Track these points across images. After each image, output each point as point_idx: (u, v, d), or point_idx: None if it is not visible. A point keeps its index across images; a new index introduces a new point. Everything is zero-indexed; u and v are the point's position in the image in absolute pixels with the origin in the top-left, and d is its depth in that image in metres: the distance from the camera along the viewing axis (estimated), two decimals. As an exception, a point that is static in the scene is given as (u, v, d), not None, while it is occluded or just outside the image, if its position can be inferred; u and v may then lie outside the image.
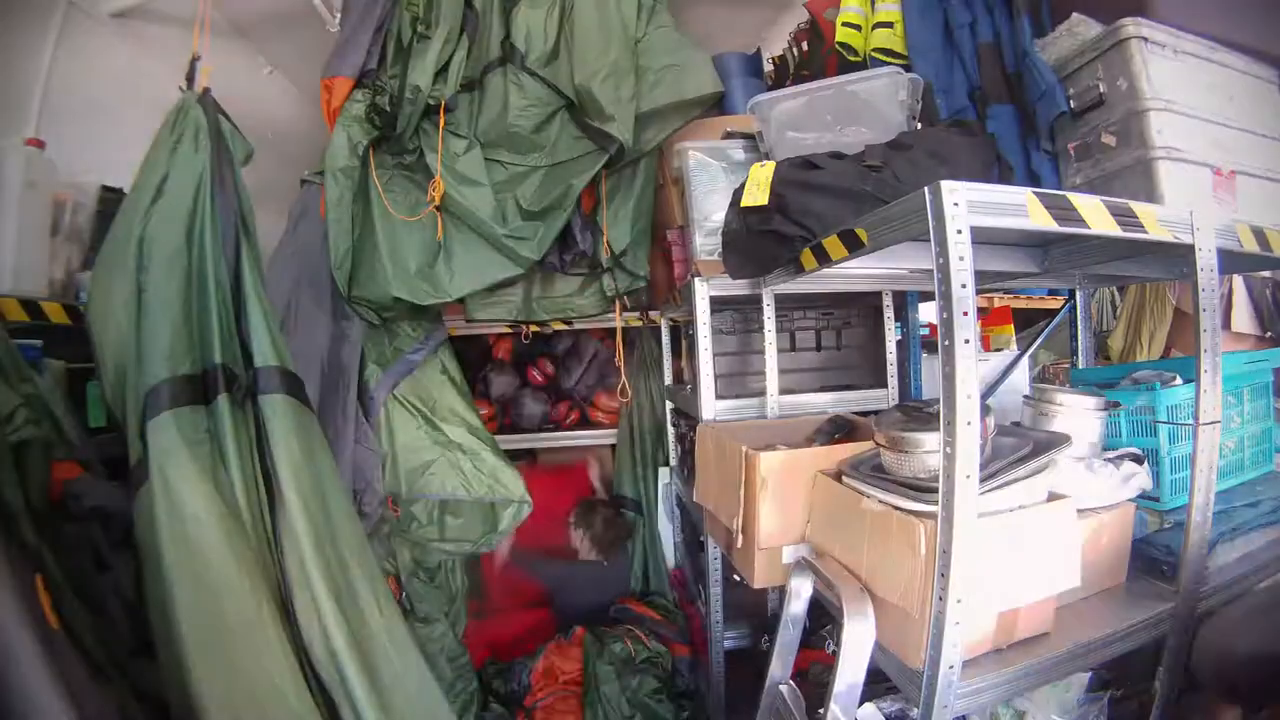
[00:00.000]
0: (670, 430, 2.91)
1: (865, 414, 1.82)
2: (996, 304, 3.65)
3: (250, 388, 1.45)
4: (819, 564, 1.34)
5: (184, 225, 1.44)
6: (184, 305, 1.41)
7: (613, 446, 3.20)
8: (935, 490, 1.06)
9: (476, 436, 2.45)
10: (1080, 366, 2.13)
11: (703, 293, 1.94)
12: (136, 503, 1.30)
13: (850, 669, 1.19)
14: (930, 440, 1.15)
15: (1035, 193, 1.12)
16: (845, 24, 2.12)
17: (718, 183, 2.06)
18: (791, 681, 1.46)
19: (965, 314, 1.01)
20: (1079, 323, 2.13)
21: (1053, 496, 1.23)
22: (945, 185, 1.04)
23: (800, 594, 1.44)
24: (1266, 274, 2.91)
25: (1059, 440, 1.26)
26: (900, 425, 1.23)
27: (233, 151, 1.56)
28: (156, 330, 1.38)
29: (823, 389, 2.30)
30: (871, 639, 1.19)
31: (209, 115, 1.53)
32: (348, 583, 1.45)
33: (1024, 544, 1.15)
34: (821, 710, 1.20)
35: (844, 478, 1.35)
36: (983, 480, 1.06)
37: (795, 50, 2.77)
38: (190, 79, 1.59)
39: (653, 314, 2.90)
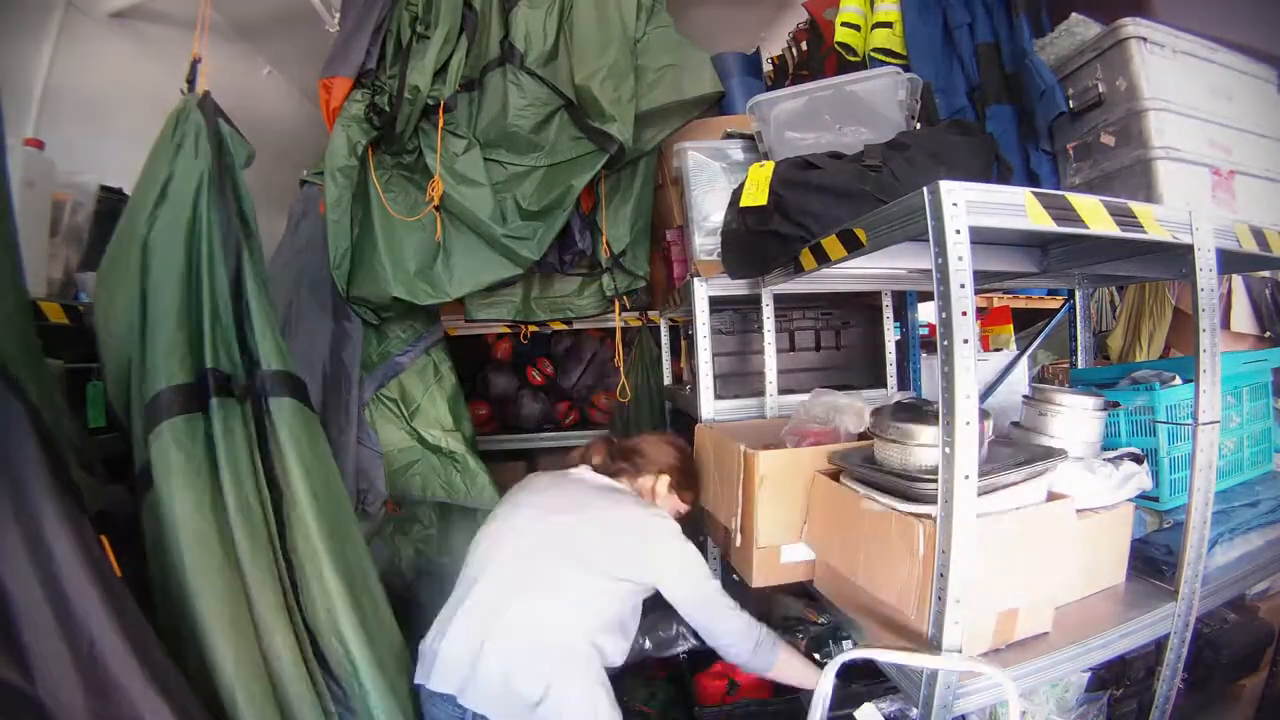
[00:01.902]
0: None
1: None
2: (996, 304, 3.64)
3: (253, 391, 1.45)
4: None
5: (185, 233, 1.44)
6: (181, 315, 1.41)
7: None
8: (934, 490, 1.06)
9: (461, 442, 2.42)
10: (1079, 366, 2.13)
11: (702, 293, 1.94)
12: (145, 509, 1.31)
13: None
14: (925, 433, 1.15)
15: (1034, 193, 1.12)
16: (844, 24, 2.12)
17: (717, 183, 2.06)
18: None
19: (964, 314, 1.01)
20: (1078, 322, 2.13)
21: (1052, 496, 1.23)
22: (944, 185, 1.04)
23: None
24: (1266, 274, 2.91)
25: (1055, 454, 1.25)
26: (896, 418, 1.24)
27: (234, 155, 1.56)
28: (156, 339, 1.39)
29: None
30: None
31: (209, 119, 1.52)
32: (362, 571, 1.48)
33: (1023, 544, 1.15)
34: None
35: (842, 478, 1.35)
36: (981, 480, 1.06)
37: (794, 50, 2.78)
38: (191, 81, 1.58)
39: (652, 314, 2.90)
